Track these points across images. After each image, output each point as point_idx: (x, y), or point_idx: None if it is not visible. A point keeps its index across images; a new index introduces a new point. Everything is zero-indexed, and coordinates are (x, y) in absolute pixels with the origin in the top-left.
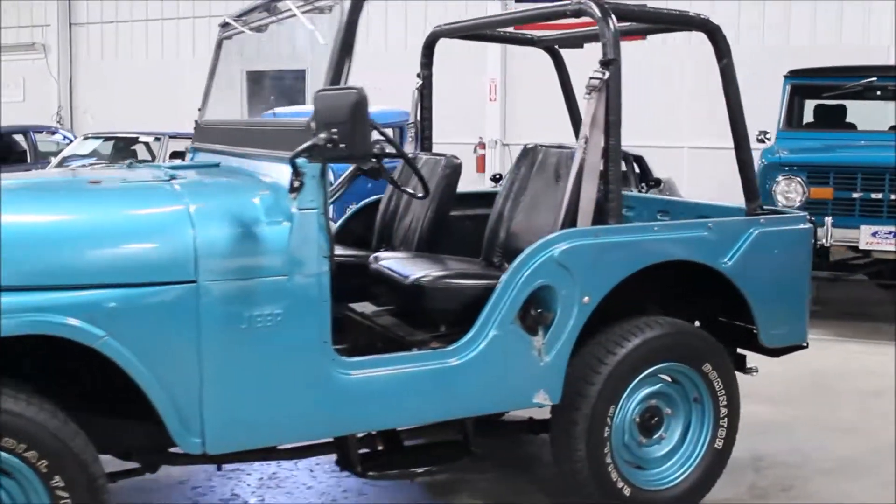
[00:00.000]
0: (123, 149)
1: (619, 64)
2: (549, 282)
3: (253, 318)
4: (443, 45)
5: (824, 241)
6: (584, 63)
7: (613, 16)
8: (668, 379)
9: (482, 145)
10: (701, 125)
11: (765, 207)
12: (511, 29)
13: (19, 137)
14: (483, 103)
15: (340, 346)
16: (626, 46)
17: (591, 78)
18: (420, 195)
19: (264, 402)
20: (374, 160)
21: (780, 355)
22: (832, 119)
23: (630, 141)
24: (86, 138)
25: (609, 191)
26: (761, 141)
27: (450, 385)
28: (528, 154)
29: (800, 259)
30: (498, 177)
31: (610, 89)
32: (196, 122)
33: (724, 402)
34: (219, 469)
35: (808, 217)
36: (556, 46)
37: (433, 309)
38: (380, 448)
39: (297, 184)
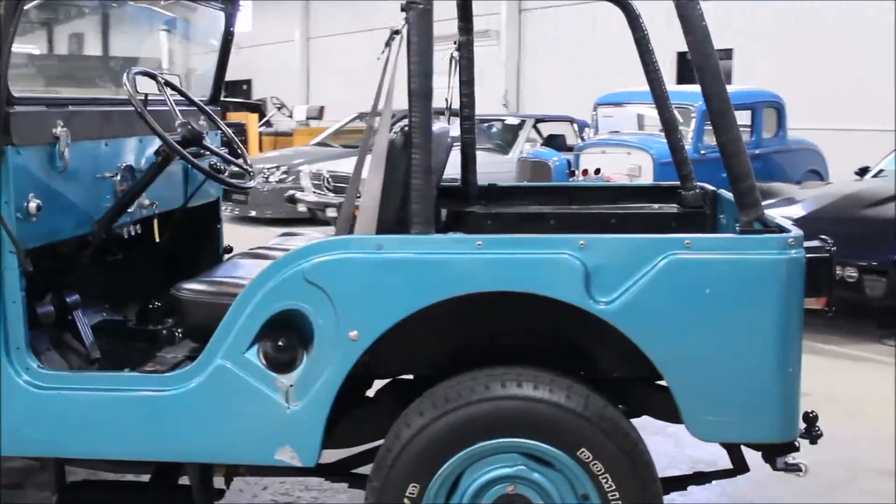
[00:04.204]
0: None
1: (429, 11)
2: (299, 305)
3: None
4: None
5: None
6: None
7: None
8: (542, 461)
9: None
10: None
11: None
12: None
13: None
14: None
15: None
16: None
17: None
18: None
19: None
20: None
21: (776, 455)
22: None
23: None
24: None
25: (414, 187)
26: None
27: (159, 420)
28: None
29: (766, 307)
30: (864, 169)
31: (411, 45)
32: None
33: None
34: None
35: (793, 239)
36: None
37: (186, 326)
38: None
39: None
